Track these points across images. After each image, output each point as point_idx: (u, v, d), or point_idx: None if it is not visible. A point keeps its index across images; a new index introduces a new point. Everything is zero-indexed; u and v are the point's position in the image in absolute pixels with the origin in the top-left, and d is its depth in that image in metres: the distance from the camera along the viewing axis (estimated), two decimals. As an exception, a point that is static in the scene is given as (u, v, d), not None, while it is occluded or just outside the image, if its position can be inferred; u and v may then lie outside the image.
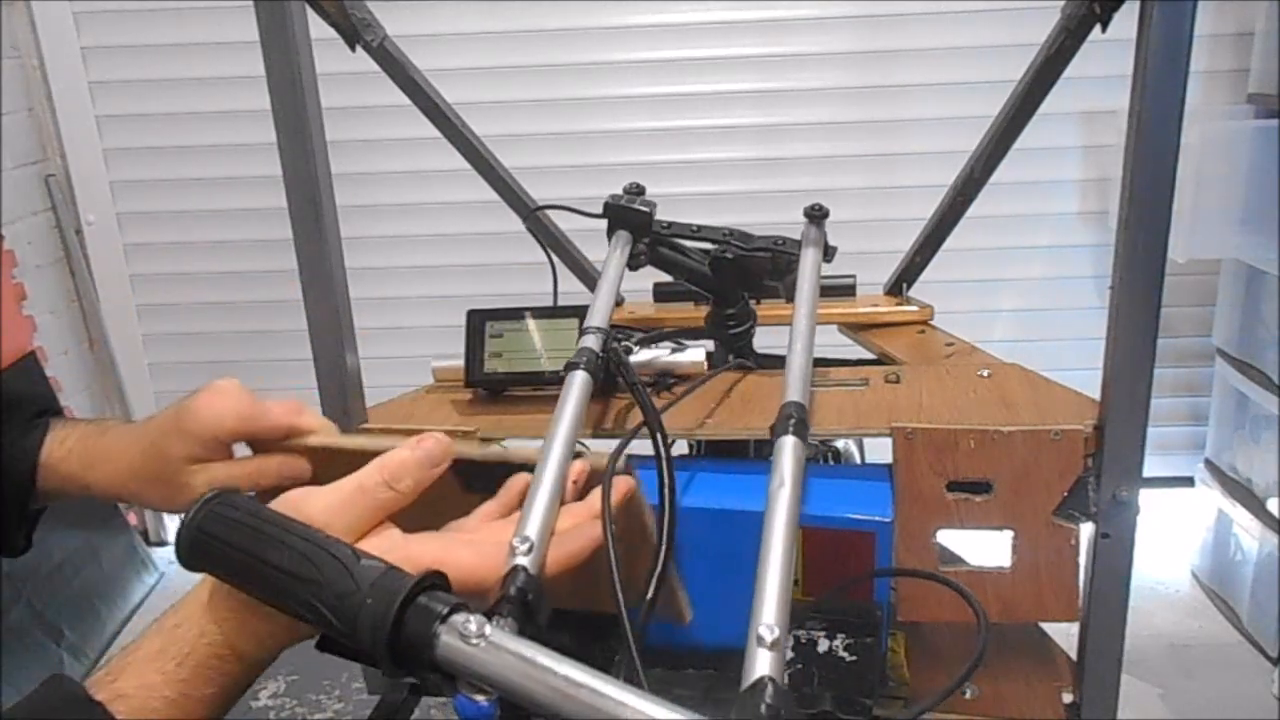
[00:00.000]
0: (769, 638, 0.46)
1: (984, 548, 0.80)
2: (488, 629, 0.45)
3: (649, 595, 0.56)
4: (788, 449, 0.58)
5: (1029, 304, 2.07)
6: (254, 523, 0.48)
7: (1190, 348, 2.03)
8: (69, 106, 2.05)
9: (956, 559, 0.80)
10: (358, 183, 2.02)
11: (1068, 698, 0.83)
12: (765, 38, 1.94)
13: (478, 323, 0.89)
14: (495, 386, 0.89)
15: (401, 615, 0.45)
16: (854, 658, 0.73)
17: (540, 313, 0.88)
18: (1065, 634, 0.85)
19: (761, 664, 0.45)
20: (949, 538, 0.79)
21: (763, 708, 0.43)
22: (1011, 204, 1.94)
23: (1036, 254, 2.04)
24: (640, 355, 0.87)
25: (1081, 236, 2.02)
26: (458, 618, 0.45)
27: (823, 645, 0.71)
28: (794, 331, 0.71)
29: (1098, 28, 0.83)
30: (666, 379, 0.87)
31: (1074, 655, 0.84)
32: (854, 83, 1.96)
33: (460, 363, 0.89)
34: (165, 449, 0.62)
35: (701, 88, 1.98)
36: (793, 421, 0.60)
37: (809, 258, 0.81)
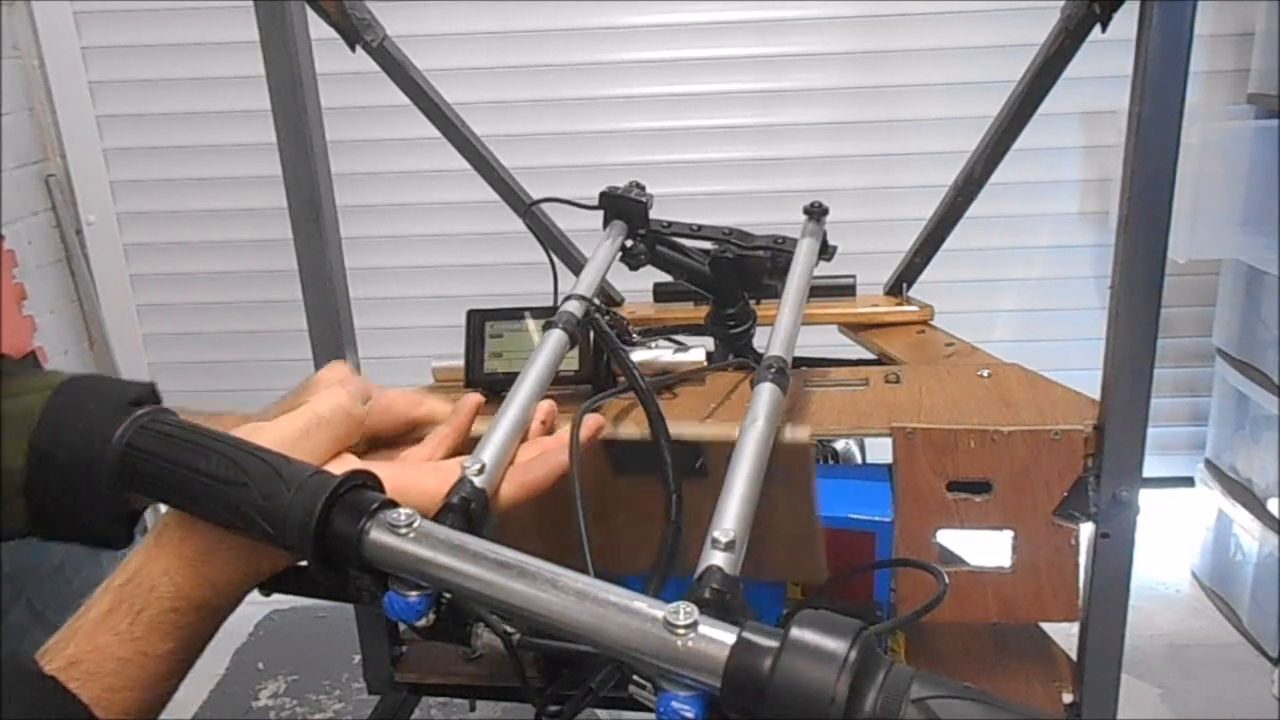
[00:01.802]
0: (724, 539, 0.47)
1: (984, 548, 0.80)
2: (417, 521, 0.45)
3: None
4: (765, 394, 0.60)
5: (1029, 304, 2.07)
6: (182, 435, 0.47)
7: (1190, 348, 2.02)
8: (69, 106, 2.05)
9: (956, 559, 0.80)
10: (357, 183, 2.02)
11: (1068, 698, 0.83)
12: (764, 38, 1.94)
13: (477, 323, 0.89)
14: (495, 386, 0.89)
15: (329, 512, 0.44)
16: (854, 657, 0.73)
17: (540, 313, 0.88)
18: (1065, 634, 0.85)
19: (713, 559, 0.46)
20: (949, 538, 0.79)
21: (707, 592, 0.44)
22: (1011, 204, 1.94)
23: (1036, 254, 2.04)
24: (639, 354, 0.87)
25: (1081, 236, 2.02)
26: (387, 512, 0.45)
27: (822, 645, 0.71)
28: (784, 299, 0.72)
29: (1098, 28, 0.83)
30: (666, 378, 0.87)
31: (1074, 655, 0.84)
32: (854, 83, 1.96)
33: (460, 363, 0.89)
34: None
35: (701, 88, 1.98)
36: (772, 371, 0.61)
37: (805, 245, 0.81)
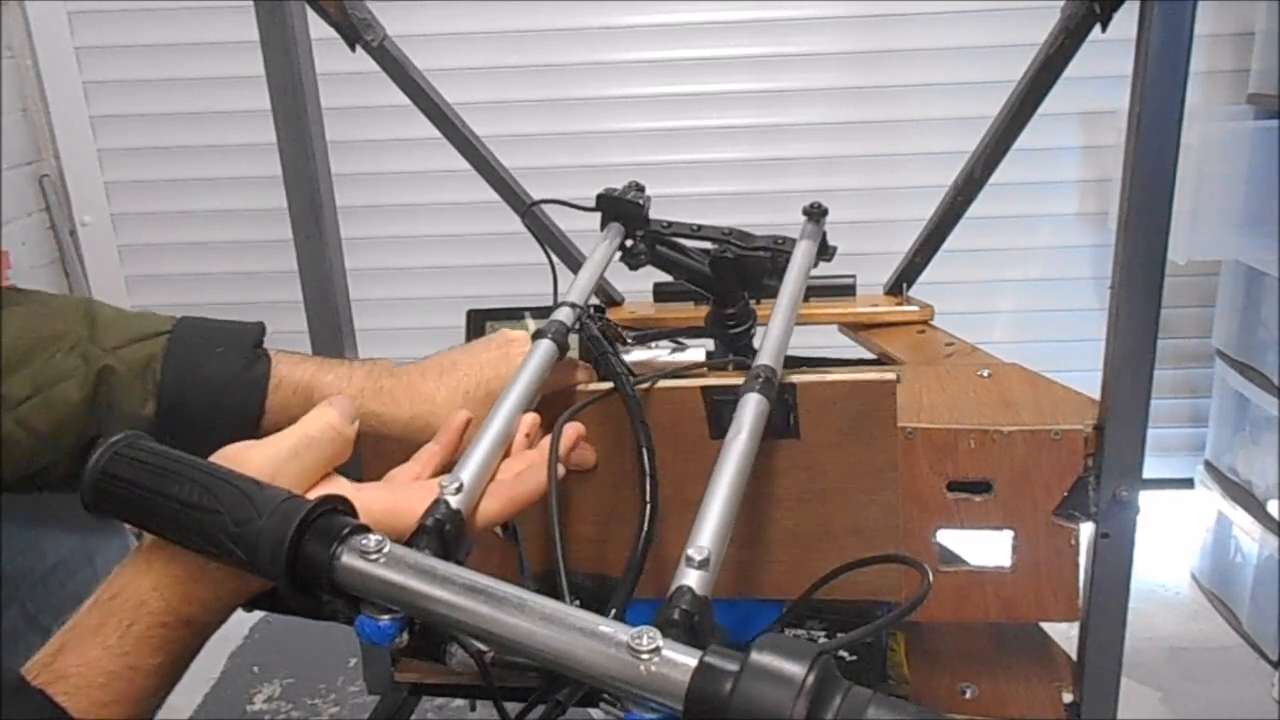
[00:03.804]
0: (697, 557, 0.47)
1: (984, 548, 0.80)
2: (387, 546, 0.45)
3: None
4: (750, 404, 0.59)
5: (1029, 305, 2.07)
6: (157, 462, 0.47)
7: (1190, 349, 2.02)
8: (63, 107, 2.05)
9: (956, 559, 0.80)
10: (357, 183, 2.01)
11: (1068, 698, 0.83)
12: (764, 38, 1.94)
13: (478, 322, 0.89)
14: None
15: (300, 537, 0.45)
16: (854, 657, 0.73)
17: (540, 312, 0.88)
18: (1065, 634, 0.85)
19: (686, 578, 0.46)
20: (949, 538, 0.79)
21: (676, 613, 0.44)
22: (1011, 205, 1.94)
23: (1036, 255, 2.04)
24: (639, 354, 0.87)
25: (1081, 237, 2.02)
26: (357, 537, 0.45)
27: (823, 646, 0.71)
28: (777, 305, 0.71)
29: (1098, 28, 0.83)
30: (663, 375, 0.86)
31: (1074, 655, 0.83)
32: (853, 83, 1.96)
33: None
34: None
35: (701, 88, 1.98)
36: (759, 381, 0.61)
37: (803, 248, 0.81)
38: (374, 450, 0.67)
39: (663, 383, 0.70)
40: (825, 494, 0.69)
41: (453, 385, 0.67)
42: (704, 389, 0.68)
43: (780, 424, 0.67)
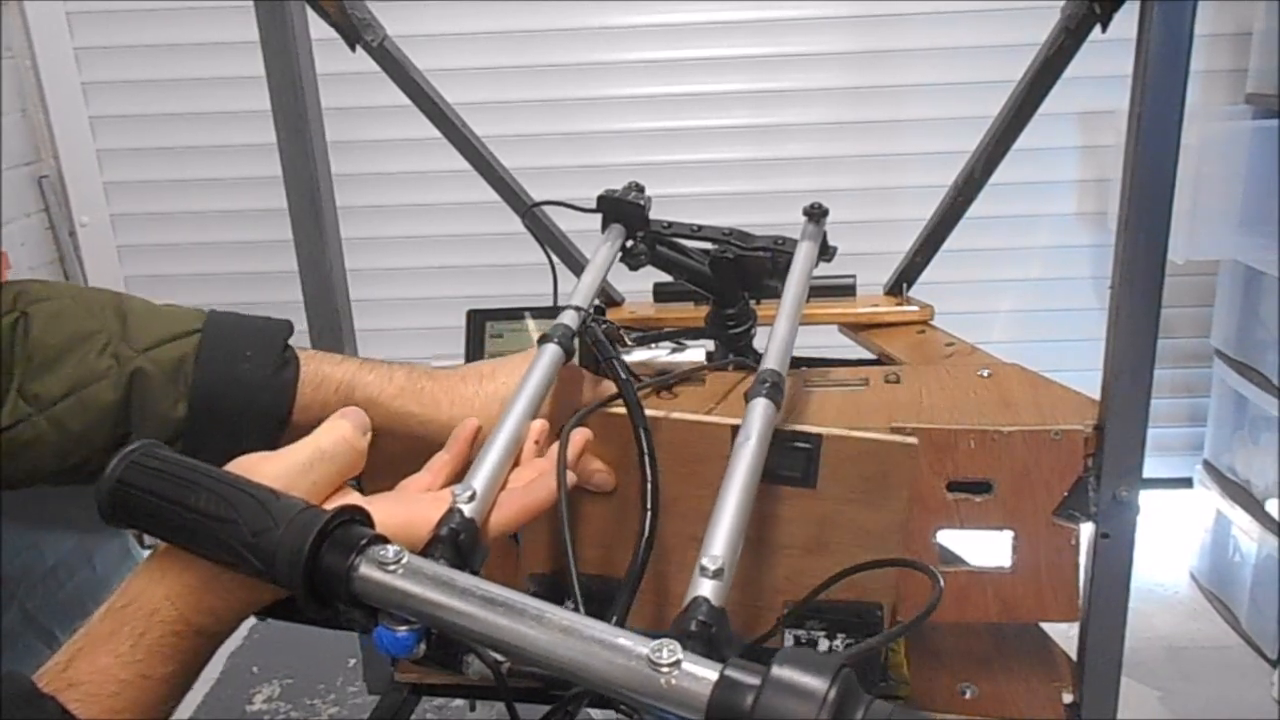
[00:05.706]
0: (711, 567, 0.47)
1: (984, 548, 0.80)
2: (406, 557, 0.45)
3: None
4: (759, 410, 0.59)
5: (1028, 305, 2.07)
6: (173, 471, 0.47)
7: (1189, 349, 2.03)
8: (62, 107, 2.05)
9: (956, 559, 0.80)
10: (357, 183, 2.01)
11: (1068, 698, 0.83)
12: (763, 38, 1.94)
13: (478, 323, 0.89)
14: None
15: (318, 547, 0.44)
16: (854, 658, 0.73)
17: (540, 313, 0.88)
18: (1065, 634, 0.85)
19: (701, 588, 0.46)
20: (949, 538, 0.79)
21: (693, 624, 0.43)
22: (1011, 205, 1.94)
23: (1036, 255, 2.04)
24: (639, 354, 0.87)
25: (1080, 237, 2.02)
26: (375, 548, 0.45)
27: (823, 645, 0.71)
28: (781, 308, 0.71)
29: (1098, 28, 0.83)
30: (666, 378, 0.86)
31: (1074, 655, 0.83)
32: (853, 83, 1.96)
33: (460, 363, 0.88)
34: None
35: (701, 88, 1.98)
36: (766, 386, 0.61)
37: (804, 249, 0.81)
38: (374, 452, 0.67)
39: (701, 417, 0.70)
40: (830, 548, 0.69)
41: (490, 392, 0.67)
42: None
43: (800, 472, 0.67)
